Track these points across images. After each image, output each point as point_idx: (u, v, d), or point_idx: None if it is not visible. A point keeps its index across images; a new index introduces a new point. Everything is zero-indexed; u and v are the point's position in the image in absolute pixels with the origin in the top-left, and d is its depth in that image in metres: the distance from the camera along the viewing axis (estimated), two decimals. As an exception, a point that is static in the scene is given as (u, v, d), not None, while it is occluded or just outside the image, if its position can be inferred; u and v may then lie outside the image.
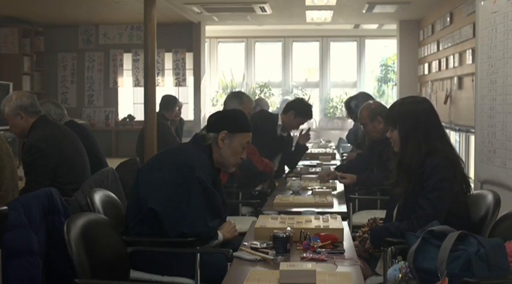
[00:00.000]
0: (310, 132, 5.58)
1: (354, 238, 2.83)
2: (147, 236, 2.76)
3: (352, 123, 6.48)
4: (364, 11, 9.13)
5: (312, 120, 12.03)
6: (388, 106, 4.33)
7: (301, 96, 11.61)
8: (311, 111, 5.20)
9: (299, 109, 5.10)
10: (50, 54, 10.75)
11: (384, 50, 12.40)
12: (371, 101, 4.74)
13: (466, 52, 6.96)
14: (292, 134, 5.49)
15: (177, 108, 6.26)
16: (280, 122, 5.12)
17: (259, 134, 3.11)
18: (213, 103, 11.74)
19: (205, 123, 3.18)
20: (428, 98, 8.84)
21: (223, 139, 2.92)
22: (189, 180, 2.76)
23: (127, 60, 10.91)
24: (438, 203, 2.63)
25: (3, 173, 3.16)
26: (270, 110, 8.00)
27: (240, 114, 3.06)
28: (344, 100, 5.70)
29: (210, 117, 3.07)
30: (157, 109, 6.32)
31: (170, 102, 6.15)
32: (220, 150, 2.93)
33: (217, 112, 3.16)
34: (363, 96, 5.59)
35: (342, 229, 2.70)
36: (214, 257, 2.68)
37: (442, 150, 2.69)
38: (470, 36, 6.64)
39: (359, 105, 4.73)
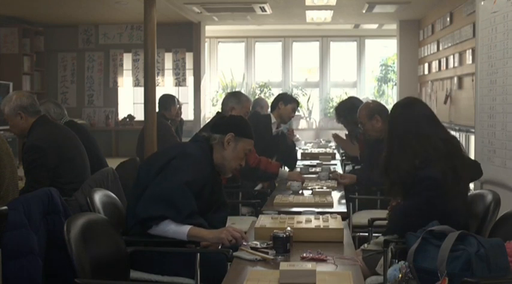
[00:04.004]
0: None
1: (353, 238, 2.84)
2: (146, 236, 2.77)
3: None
4: (364, 11, 9.13)
5: (311, 120, 12.13)
6: (386, 106, 4.37)
7: (300, 96, 11.68)
8: (294, 96, 5.61)
9: (284, 97, 5.41)
10: (50, 54, 10.75)
11: (384, 50, 12.40)
12: (370, 100, 4.75)
13: (466, 52, 6.96)
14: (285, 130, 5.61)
15: (177, 106, 6.25)
16: (274, 120, 5.29)
17: (256, 136, 3.17)
18: (213, 103, 11.74)
19: (205, 123, 3.20)
20: (428, 98, 8.87)
21: (228, 142, 2.94)
22: (167, 165, 2.80)
23: (127, 60, 10.91)
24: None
25: (4, 173, 3.16)
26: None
27: (247, 121, 3.17)
28: (335, 107, 5.81)
29: (218, 118, 3.11)
30: (157, 110, 6.33)
31: (168, 100, 6.15)
32: (224, 151, 2.95)
33: (224, 116, 3.22)
34: (355, 100, 5.59)
35: (342, 229, 2.70)
36: (214, 257, 2.68)
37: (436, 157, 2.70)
38: (470, 36, 6.64)
39: (354, 108, 4.75)
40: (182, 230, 2.69)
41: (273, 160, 5.17)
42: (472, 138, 5.49)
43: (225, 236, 2.63)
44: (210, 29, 11.08)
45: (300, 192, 4.07)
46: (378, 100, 9.79)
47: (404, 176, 2.70)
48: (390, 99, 12.14)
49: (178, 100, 6.35)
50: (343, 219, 2.98)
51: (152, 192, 2.74)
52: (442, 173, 2.63)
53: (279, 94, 5.64)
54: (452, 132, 7.25)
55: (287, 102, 5.29)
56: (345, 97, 9.01)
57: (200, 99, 10.60)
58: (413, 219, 2.64)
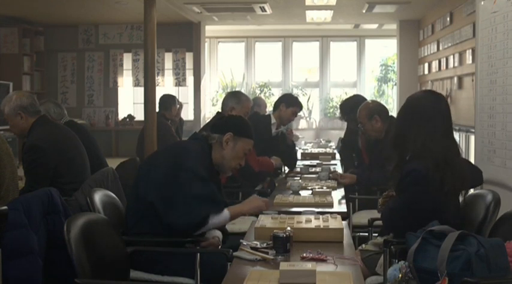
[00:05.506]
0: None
1: (353, 238, 2.85)
2: (147, 234, 2.77)
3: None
4: (364, 11, 9.13)
5: (311, 120, 12.13)
6: (387, 106, 4.38)
7: (300, 96, 11.67)
8: (298, 99, 5.43)
9: (288, 100, 5.31)
10: (50, 54, 10.75)
11: (384, 50, 12.40)
12: (369, 100, 4.75)
13: (466, 52, 6.96)
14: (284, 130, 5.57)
15: (178, 106, 6.25)
16: (273, 121, 5.24)
17: (256, 136, 3.18)
18: (213, 103, 11.74)
19: (205, 123, 3.22)
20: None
21: (227, 141, 2.95)
22: (178, 170, 2.79)
23: (127, 60, 10.91)
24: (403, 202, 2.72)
25: (4, 173, 3.16)
26: (270, 110, 8.02)
27: (246, 121, 3.18)
28: (340, 104, 5.78)
29: (217, 119, 3.13)
30: (157, 110, 6.33)
31: (168, 101, 6.15)
32: (223, 151, 2.96)
33: (224, 116, 3.23)
34: (360, 98, 5.59)
35: (342, 229, 2.70)
36: (214, 257, 2.69)
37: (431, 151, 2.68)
38: (470, 36, 6.64)
39: (358, 106, 4.74)
40: (224, 216, 2.84)
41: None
42: (472, 138, 5.49)
43: (261, 203, 2.95)
44: (210, 29, 11.08)
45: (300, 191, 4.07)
46: (378, 100, 9.78)
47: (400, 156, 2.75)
48: (390, 99, 12.14)
49: (178, 100, 6.35)
50: (343, 219, 2.98)
51: (184, 198, 2.74)
52: (426, 169, 2.61)
53: (283, 95, 5.57)
54: (452, 132, 7.29)
55: (289, 105, 5.21)
56: (345, 97, 9.03)
57: (200, 99, 10.61)
58: (404, 216, 2.64)
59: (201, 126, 6.84)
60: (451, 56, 7.62)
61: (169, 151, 2.99)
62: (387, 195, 2.94)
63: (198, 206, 2.75)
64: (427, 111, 2.72)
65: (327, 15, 9.58)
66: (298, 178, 4.69)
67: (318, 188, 4.04)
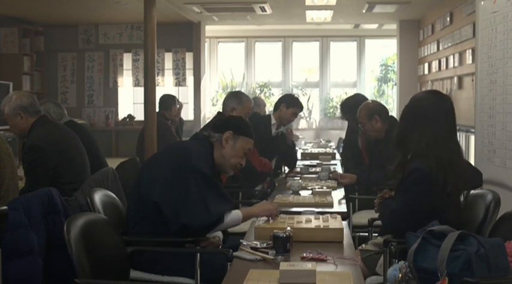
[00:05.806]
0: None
1: (353, 238, 2.84)
2: (149, 234, 2.77)
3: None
4: (364, 11, 9.14)
5: (311, 120, 12.13)
6: (387, 106, 4.37)
7: (300, 96, 11.67)
8: (299, 100, 5.41)
9: (288, 100, 5.29)
10: (50, 54, 10.76)
11: (384, 50, 12.40)
12: (369, 100, 4.75)
13: (466, 52, 6.97)
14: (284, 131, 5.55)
15: (178, 106, 6.25)
16: (274, 121, 5.23)
17: (256, 136, 3.19)
18: (213, 103, 11.74)
19: (205, 123, 3.23)
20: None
21: (227, 140, 2.96)
22: (185, 170, 2.80)
23: (127, 60, 10.92)
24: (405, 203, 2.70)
25: (4, 173, 3.16)
26: (269, 110, 8.03)
27: (246, 121, 3.22)
28: (340, 103, 5.76)
29: (217, 119, 3.16)
30: (157, 110, 6.33)
31: (168, 101, 6.15)
32: (223, 150, 2.96)
33: (224, 115, 3.28)
34: (361, 97, 5.58)
35: (342, 229, 2.70)
36: (214, 257, 2.69)
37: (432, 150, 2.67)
38: (470, 36, 6.64)
39: (359, 105, 4.73)
40: (237, 216, 2.88)
41: (273, 159, 5.20)
42: (472, 138, 5.49)
43: (272, 208, 2.91)
44: (210, 29, 11.08)
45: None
46: (378, 100, 9.78)
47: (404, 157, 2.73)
48: (390, 99, 12.14)
49: (178, 101, 6.35)
50: (343, 219, 2.98)
51: (197, 197, 2.76)
52: (429, 168, 2.60)
53: (284, 96, 5.57)
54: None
55: (289, 106, 5.20)
56: (345, 97, 9.02)
57: (200, 99, 10.61)
58: (407, 219, 2.63)
59: (201, 126, 6.85)
60: (451, 56, 7.62)
61: (171, 152, 3.00)
62: (382, 196, 2.92)
63: (212, 205, 2.76)
64: (429, 111, 2.71)
65: (327, 15, 9.58)
66: (298, 178, 4.69)
67: (318, 188, 4.03)
